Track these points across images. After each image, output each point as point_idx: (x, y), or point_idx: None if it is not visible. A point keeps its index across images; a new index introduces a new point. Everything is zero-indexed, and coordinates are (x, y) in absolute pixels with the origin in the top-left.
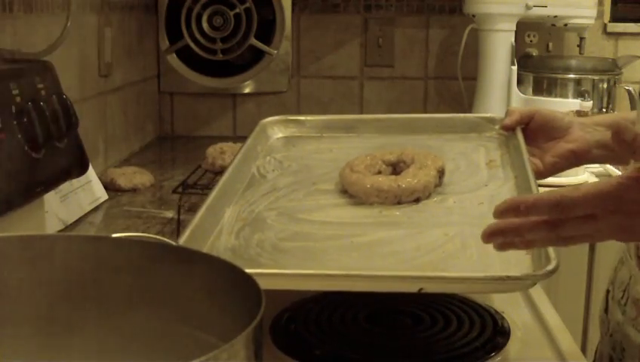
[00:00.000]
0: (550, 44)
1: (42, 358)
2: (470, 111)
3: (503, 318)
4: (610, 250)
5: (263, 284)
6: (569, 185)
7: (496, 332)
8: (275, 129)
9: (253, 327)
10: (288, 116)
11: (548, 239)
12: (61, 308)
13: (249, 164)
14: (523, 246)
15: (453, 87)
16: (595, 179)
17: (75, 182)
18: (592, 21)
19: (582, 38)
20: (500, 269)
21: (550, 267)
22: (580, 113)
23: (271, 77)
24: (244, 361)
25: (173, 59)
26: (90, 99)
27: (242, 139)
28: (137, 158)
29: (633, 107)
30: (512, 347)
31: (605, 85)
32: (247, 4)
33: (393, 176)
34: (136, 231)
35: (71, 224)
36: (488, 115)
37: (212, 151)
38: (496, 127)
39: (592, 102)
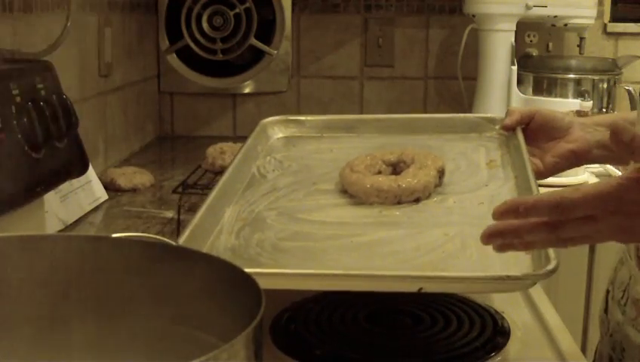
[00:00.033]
0: (550, 44)
1: (42, 358)
2: (470, 111)
3: (503, 318)
4: (610, 250)
5: (263, 284)
6: (569, 186)
7: (496, 332)
8: (276, 129)
9: (253, 327)
10: (289, 116)
11: (548, 240)
12: (61, 308)
13: (249, 163)
14: (522, 248)
15: (453, 87)
16: (596, 179)
17: (75, 182)
18: (592, 21)
19: (582, 38)
20: (500, 269)
21: (550, 267)
22: (580, 113)
23: (271, 77)
24: (244, 361)
25: (173, 59)
26: (90, 99)
27: (242, 139)
28: (137, 158)
29: (633, 107)
30: (512, 347)
31: (605, 85)
32: (247, 4)
33: (393, 176)
34: (136, 231)
35: (71, 224)
36: (489, 115)
37: (212, 151)
38: (497, 127)
39: (592, 102)
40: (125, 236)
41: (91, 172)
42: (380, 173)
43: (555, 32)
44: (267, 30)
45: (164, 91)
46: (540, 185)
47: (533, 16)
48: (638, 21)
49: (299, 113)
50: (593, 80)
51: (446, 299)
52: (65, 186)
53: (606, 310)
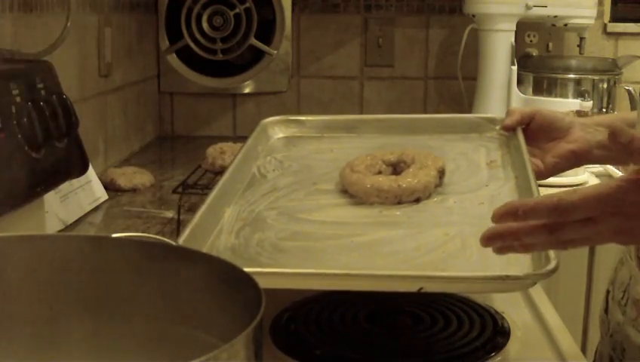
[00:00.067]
0: (550, 44)
1: (42, 358)
2: (470, 111)
3: (503, 318)
4: (611, 251)
5: (263, 283)
6: (570, 186)
7: (496, 332)
8: (276, 129)
9: (253, 327)
10: (289, 116)
11: (547, 243)
12: (61, 308)
13: (249, 163)
14: (522, 250)
15: (453, 87)
16: (596, 180)
17: (75, 182)
18: (592, 21)
19: (582, 38)
20: (500, 269)
21: (550, 267)
22: (580, 113)
23: (271, 77)
24: (244, 361)
25: (173, 59)
26: (90, 99)
27: (242, 139)
28: (137, 158)
29: (633, 107)
30: (512, 347)
31: (605, 85)
32: (247, 4)
33: (393, 176)
34: (136, 231)
35: (71, 224)
36: (489, 115)
37: (212, 151)
38: (497, 127)
39: (592, 102)
40: (125, 236)
41: (91, 172)
42: (380, 173)
43: (555, 32)
44: (267, 30)
45: (164, 91)
46: (541, 186)
47: (533, 16)
48: (638, 21)
49: (299, 113)
50: (593, 80)
51: (446, 299)
52: (65, 186)
53: (606, 310)
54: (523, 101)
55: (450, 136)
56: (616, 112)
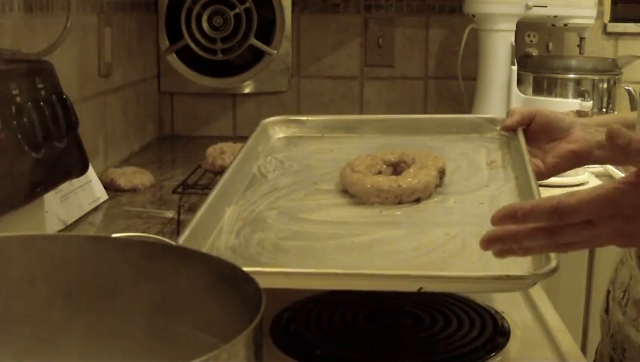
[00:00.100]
0: (550, 44)
1: (41, 358)
2: (470, 111)
3: (503, 318)
4: (611, 251)
5: (263, 283)
6: (570, 186)
7: (496, 332)
8: (277, 129)
9: (253, 327)
10: (289, 116)
11: (546, 245)
12: (61, 307)
13: (250, 163)
14: (522, 253)
15: (453, 87)
16: (596, 180)
17: (75, 182)
18: (592, 21)
19: (582, 38)
20: (501, 269)
21: (551, 266)
22: (580, 113)
23: (271, 77)
24: (244, 361)
25: (173, 59)
26: (90, 99)
27: (242, 139)
28: (137, 158)
29: (633, 107)
30: (512, 347)
31: (605, 85)
32: (247, 4)
33: (394, 177)
34: (136, 231)
35: (71, 224)
36: (489, 115)
37: (212, 151)
38: (498, 127)
39: (592, 102)
40: (125, 236)
41: (91, 172)
42: (380, 173)
43: (555, 32)
44: (267, 30)
45: (164, 91)
46: (541, 186)
47: (533, 16)
48: (638, 21)
49: (299, 113)
50: (593, 80)
51: (446, 299)
52: (65, 186)
53: (607, 310)
54: (523, 101)
55: (450, 137)
56: (616, 112)
